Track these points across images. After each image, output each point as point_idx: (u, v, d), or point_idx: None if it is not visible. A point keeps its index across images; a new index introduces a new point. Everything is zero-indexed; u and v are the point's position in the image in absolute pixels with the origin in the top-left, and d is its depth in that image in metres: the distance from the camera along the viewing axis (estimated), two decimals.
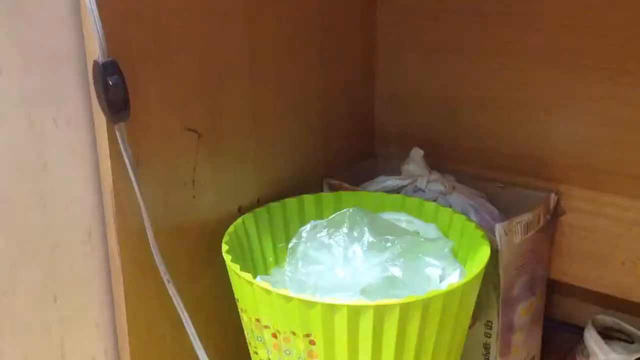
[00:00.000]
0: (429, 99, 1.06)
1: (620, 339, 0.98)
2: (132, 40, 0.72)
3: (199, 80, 0.80)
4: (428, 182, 0.95)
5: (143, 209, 0.75)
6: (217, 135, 0.84)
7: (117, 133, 0.71)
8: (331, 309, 0.70)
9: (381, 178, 0.99)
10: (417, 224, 0.86)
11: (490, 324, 0.90)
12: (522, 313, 0.93)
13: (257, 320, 0.76)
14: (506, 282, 0.88)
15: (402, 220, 0.88)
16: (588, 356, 0.96)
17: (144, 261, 0.77)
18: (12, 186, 0.68)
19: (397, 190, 0.97)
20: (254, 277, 0.74)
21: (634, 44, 0.88)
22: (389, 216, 0.89)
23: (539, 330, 0.99)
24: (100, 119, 0.71)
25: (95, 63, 0.68)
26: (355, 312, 0.69)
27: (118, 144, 0.71)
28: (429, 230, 0.87)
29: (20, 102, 0.67)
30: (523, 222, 0.88)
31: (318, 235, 0.83)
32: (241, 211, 0.89)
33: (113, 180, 0.73)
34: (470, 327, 0.88)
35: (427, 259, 0.82)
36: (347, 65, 1.05)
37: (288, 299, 0.71)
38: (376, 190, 0.96)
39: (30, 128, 0.69)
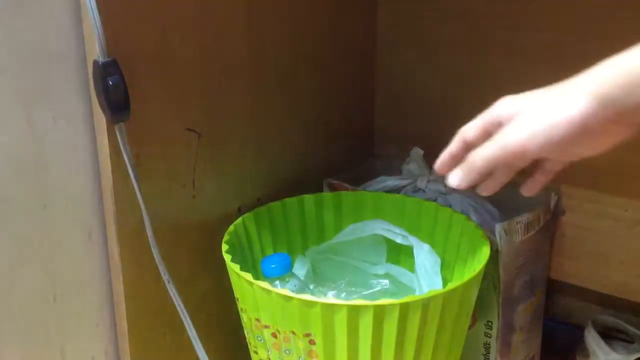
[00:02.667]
0: (429, 99, 1.06)
1: (620, 339, 0.98)
2: (132, 40, 0.72)
3: (199, 80, 0.80)
4: (428, 182, 0.95)
5: (143, 209, 0.75)
6: (217, 135, 0.84)
7: (117, 133, 0.71)
8: (331, 308, 0.70)
9: (381, 178, 0.99)
10: (411, 240, 0.86)
11: (490, 323, 0.90)
12: (522, 313, 0.93)
13: (257, 319, 0.76)
14: (506, 282, 0.88)
15: (397, 234, 0.87)
16: (588, 356, 0.96)
17: (144, 261, 0.77)
18: (12, 186, 0.68)
19: (397, 190, 0.97)
20: (254, 277, 0.74)
21: (634, 44, 0.88)
22: (385, 226, 0.89)
23: (539, 330, 0.99)
24: (100, 118, 0.71)
25: (95, 63, 0.68)
26: (355, 312, 0.70)
27: (118, 144, 0.71)
28: (423, 248, 0.86)
29: (20, 102, 0.67)
30: (523, 222, 0.88)
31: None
32: (241, 211, 0.89)
33: (113, 180, 0.73)
34: (470, 327, 0.88)
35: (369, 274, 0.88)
36: (347, 65, 1.05)
37: (288, 298, 0.71)
38: (376, 190, 0.96)
39: (30, 128, 0.69)
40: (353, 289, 0.91)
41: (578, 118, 0.50)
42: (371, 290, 0.92)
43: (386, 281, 0.93)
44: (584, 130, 0.50)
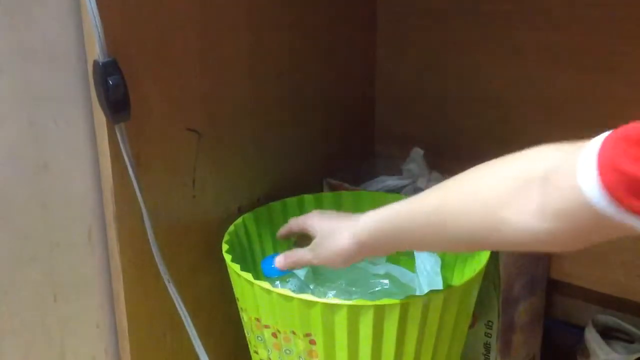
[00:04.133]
0: (429, 99, 1.06)
1: (620, 339, 0.98)
2: (132, 40, 0.72)
3: (199, 80, 0.80)
4: (428, 182, 0.95)
5: (143, 208, 0.75)
6: (217, 135, 0.84)
7: (117, 133, 0.71)
8: (331, 308, 0.70)
9: (381, 178, 0.99)
10: None
11: (490, 323, 0.90)
12: (523, 313, 0.93)
13: (257, 319, 0.76)
14: (506, 282, 0.88)
15: None
16: (588, 356, 0.96)
17: (144, 261, 0.77)
18: (12, 186, 0.68)
19: (397, 190, 0.97)
20: (254, 276, 0.74)
21: (634, 43, 0.88)
22: None
23: (539, 330, 0.99)
24: (101, 119, 0.71)
25: (96, 63, 0.68)
26: (355, 312, 0.69)
27: (118, 144, 0.71)
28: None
29: (20, 102, 0.67)
30: None
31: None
32: (241, 211, 0.89)
33: (113, 180, 0.73)
34: (470, 327, 0.88)
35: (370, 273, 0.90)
36: (347, 65, 1.05)
37: (288, 298, 0.71)
38: (376, 190, 0.96)
39: (30, 128, 0.69)
40: (353, 288, 0.91)
41: (344, 254, 0.70)
42: (371, 291, 0.92)
43: (386, 281, 0.93)
44: (349, 260, 0.71)
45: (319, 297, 0.72)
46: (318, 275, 0.92)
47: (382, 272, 0.93)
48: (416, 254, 0.85)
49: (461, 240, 0.60)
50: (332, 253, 0.71)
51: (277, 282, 0.81)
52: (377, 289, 0.92)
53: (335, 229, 0.72)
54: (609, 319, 0.98)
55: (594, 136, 0.50)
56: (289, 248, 0.91)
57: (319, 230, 0.74)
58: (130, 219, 0.76)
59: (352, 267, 0.92)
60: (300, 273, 0.89)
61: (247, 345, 0.83)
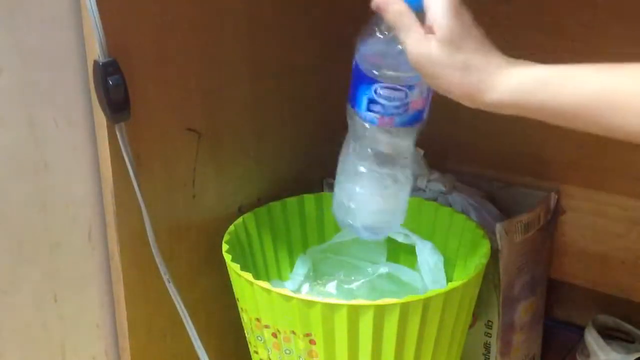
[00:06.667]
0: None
1: (620, 339, 0.98)
2: (132, 40, 0.72)
3: (199, 80, 0.80)
4: (428, 181, 0.95)
5: (143, 209, 0.75)
6: (217, 135, 0.84)
7: (117, 133, 0.71)
8: (331, 308, 0.70)
9: None
10: (413, 239, 0.86)
11: (490, 323, 0.90)
12: (523, 313, 0.93)
13: (257, 319, 0.76)
14: (506, 282, 0.88)
15: (399, 232, 0.87)
16: (588, 356, 0.96)
17: (144, 261, 0.77)
18: (12, 186, 0.68)
19: None
20: (255, 276, 0.74)
21: (633, 44, 0.88)
22: None
23: (540, 330, 0.99)
24: (101, 119, 0.71)
25: (96, 63, 0.68)
26: (355, 312, 0.70)
27: (118, 144, 0.71)
28: (425, 246, 0.86)
29: (20, 102, 0.67)
30: (523, 221, 0.88)
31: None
32: (241, 211, 0.89)
33: (113, 180, 0.73)
34: (470, 327, 0.88)
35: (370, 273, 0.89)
36: (348, 64, 1.04)
37: (288, 298, 0.71)
38: None
39: (31, 128, 0.69)
40: (352, 277, 0.90)
41: (481, 103, 0.58)
42: (369, 278, 0.91)
43: (386, 269, 0.92)
44: (475, 106, 0.58)
45: (319, 289, 0.72)
46: (319, 274, 0.92)
47: (382, 270, 0.93)
48: (418, 251, 0.85)
49: None
50: (461, 89, 0.58)
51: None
52: (374, 275, 0.92)
53: (472, 58, 0.58)
54: (609, 319, 0.98)
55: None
56: (290, 249, 0.92)
57: (447, 29, 0.57)
58: (130, 219, 0.76)
59: (352, 267, 0.93)
60: (301, 272, 0.89)
61: (247, 345, 0.83)
